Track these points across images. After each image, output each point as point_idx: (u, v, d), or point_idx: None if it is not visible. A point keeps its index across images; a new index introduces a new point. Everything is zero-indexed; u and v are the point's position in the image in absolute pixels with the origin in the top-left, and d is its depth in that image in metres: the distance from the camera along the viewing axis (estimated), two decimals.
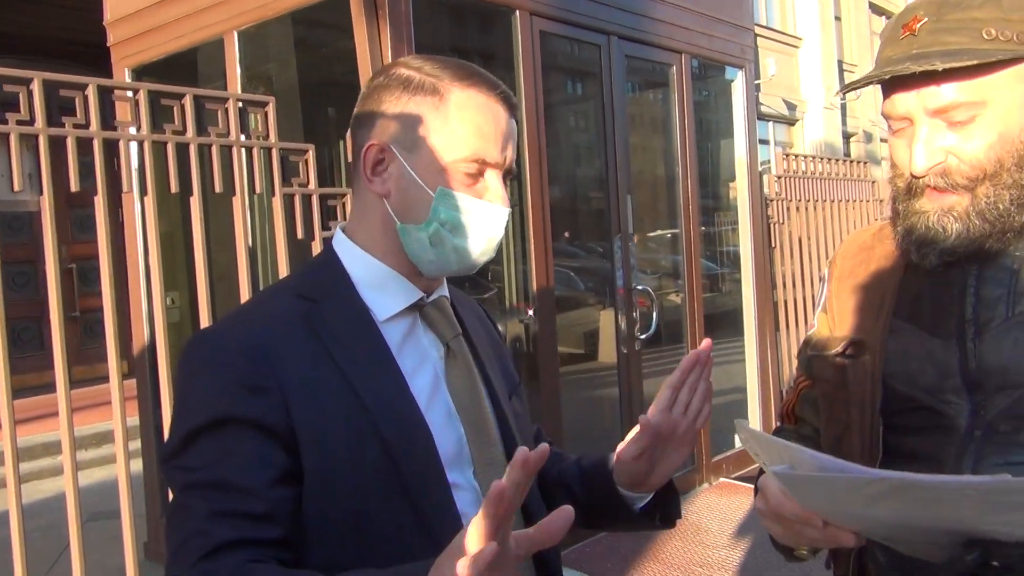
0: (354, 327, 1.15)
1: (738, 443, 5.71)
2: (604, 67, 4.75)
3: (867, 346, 1.24)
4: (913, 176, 1.14)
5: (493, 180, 1.17)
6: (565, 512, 0.83)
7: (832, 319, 1.36)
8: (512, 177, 1.22)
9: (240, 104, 3.01)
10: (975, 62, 1.06)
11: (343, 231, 1.25)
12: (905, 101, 1.13)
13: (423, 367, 1.19)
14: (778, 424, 1.49)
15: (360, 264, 1.20)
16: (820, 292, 1.44)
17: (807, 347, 1.42)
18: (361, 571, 0.98)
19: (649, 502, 1.29)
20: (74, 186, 2.57)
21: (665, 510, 1.32)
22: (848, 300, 1.33)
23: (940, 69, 1.06)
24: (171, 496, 1.09)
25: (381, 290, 1.19)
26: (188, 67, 4.68)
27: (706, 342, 1.19)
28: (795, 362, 1.48)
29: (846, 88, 1.24)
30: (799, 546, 1.16)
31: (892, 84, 1.14)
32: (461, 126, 1.14)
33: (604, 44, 4.74)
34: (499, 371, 1.33)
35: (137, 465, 4.77)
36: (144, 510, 4.41)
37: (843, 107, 21.30)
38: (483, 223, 1.16)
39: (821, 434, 1.34)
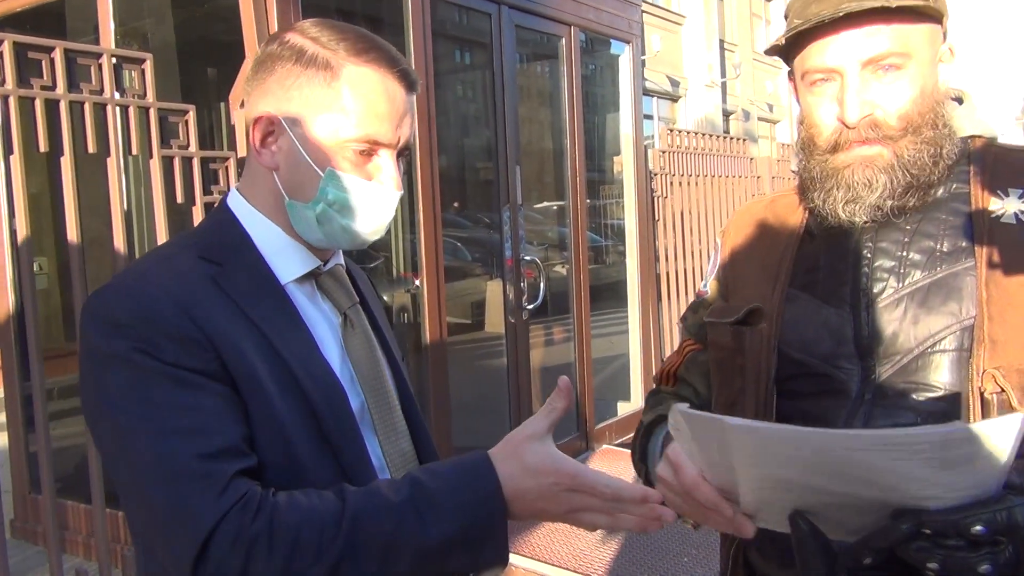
0: (262, 290, 1.12)
1: (620, 411, 5.87)
2: (494, 36, 4.73)
3: (764, 314, 1.28)
4: (845, 126, 1.16)
5: (386, 161, 1.14)
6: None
7: (726, 287, 1.40)
8: (406, 153, 1.19)
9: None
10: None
11: (239, 191, 1.21)
12: (837, 51, 1.15)
13: (326, 334, 1.17)
14: (655, 386, 1.52)
15: (261, 228, 1.17)
16: (712, 260, 1.48)
17: (694, 313, 1.46)
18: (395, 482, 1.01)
19: None
20: None
21: None
22: (744, 269, 1.37)
23: (893, 6, 1.09)
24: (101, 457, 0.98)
25: (281, 255, 1.16)
26: (56, 20, 4.43)
27: None
28: (677, 330, 1.51)
29: (788, 33, 1.20)
30: (695, 521, 1.16)
31: (817, 36, 1.16)
32: (353, 105, 1.10)
33: (494, 13, 4.72)
34: (391, 340, 1.33)
35: (2, 439, 4.54)
36: (10, 486, 4.21)
37: (723, 86, 21.93)
38: (372, 205, 1.14)
39: (713, 399, 1.37)
